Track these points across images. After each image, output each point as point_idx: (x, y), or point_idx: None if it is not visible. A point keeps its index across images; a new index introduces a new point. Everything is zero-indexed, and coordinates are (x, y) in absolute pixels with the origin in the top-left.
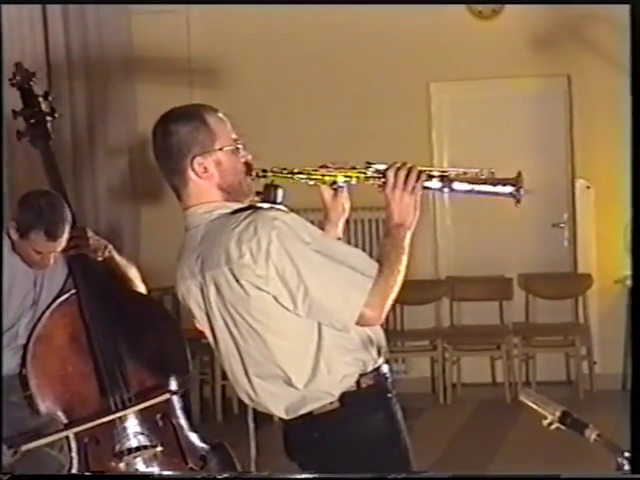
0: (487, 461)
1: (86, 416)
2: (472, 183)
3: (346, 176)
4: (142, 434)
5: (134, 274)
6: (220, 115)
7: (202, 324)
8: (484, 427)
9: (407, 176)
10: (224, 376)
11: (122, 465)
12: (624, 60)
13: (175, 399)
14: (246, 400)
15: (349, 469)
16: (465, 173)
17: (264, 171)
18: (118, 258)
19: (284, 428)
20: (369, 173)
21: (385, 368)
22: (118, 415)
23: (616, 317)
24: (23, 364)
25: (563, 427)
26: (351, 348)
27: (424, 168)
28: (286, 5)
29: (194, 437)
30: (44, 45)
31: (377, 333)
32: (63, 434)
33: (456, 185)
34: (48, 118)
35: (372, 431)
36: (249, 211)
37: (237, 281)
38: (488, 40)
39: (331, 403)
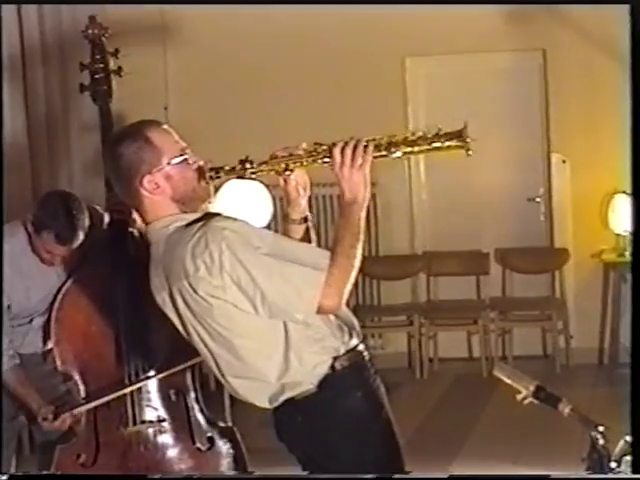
0: (464, 435)
1: (102, 379)
2: (420, 144)
3: (294, 162)
4: (153, 407)
5: None
6: (165, 127)
7: (182, 332)
8: (461, 402)
9: (354, 152)
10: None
11: (128, 432)
12: (599, 34)
13: (191, 377)
14: (233, 394)
15: (334, 449)
16: (412, 134)
17: (217, 172)
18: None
19: (272, 411)
20: (318, 154)
21: (361, 347)
22: (139, 385)
23: (592, 291)
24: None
25: (537, 401)
26: (319, 337)
27: (369, 139)
28: None
29: (204, 417)
30: (18, 27)
31: (346, 317)
32: (100, 401)
33: (404, 149)
34: (113, 76)
35: (352, 410)
36: (200, 223)
37: (196, 293)
38: (464, 14)
39: (309, 389)
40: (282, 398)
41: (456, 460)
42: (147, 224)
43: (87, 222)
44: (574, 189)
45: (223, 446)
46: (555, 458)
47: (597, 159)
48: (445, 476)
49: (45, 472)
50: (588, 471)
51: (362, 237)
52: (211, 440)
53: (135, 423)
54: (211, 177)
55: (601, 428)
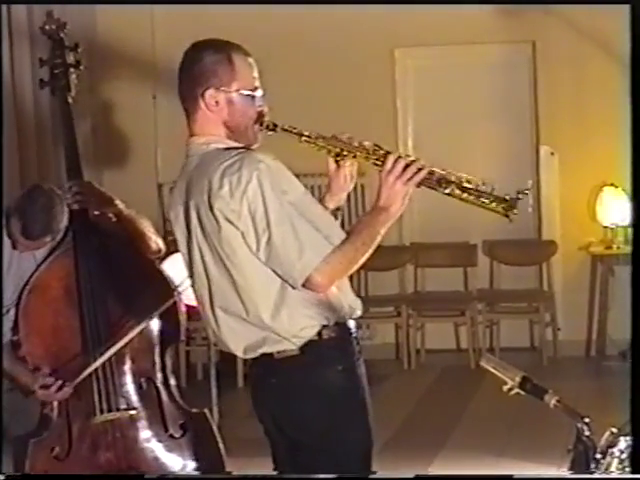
0: (450, 427)
1: (70, 370)
2: (470, 193)
3: (349, 151)
4: (124, 395)
5: (145, 226)
6: (249, 60)
7: (183, 252)
8: (448, 393)
9: (406, 166)
10: (188, 342)
11: (100, 422)
12: (589, 26)
13: (160, 364)
14: (210, 336)
15: (303, 418)
16: (468, 181)
17: (275, 125)
18: (126, 211)
19: (248, 375)
20: (373, 154)
21: (351, 324)
22: (96, 365)
23: (580, 284)
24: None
25: (523, 392)
26: (315, 302)
27: (425, 165)
28: None
29: (177, 404)
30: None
31: (347, 294)
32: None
33: (454, 190)
34: (72, 70)
35: (329, 382)
36: (240, 150)
37: (211, 210)
38: (453, 6)
39: (291, 349)
40: (260, 351)
41: (442, 452)
42: (191, 136)
43: (62, 225)
44: (562, 181)
45: (196, 433)
46: (541, 450)
47: (586, 152)
48: (429, 468)
49: (20, 467)
50: (573, 462)
51: (377, 241)
52: (184, 427)
53: (104, 412)
54: (267, 126)
55: (587, 420)
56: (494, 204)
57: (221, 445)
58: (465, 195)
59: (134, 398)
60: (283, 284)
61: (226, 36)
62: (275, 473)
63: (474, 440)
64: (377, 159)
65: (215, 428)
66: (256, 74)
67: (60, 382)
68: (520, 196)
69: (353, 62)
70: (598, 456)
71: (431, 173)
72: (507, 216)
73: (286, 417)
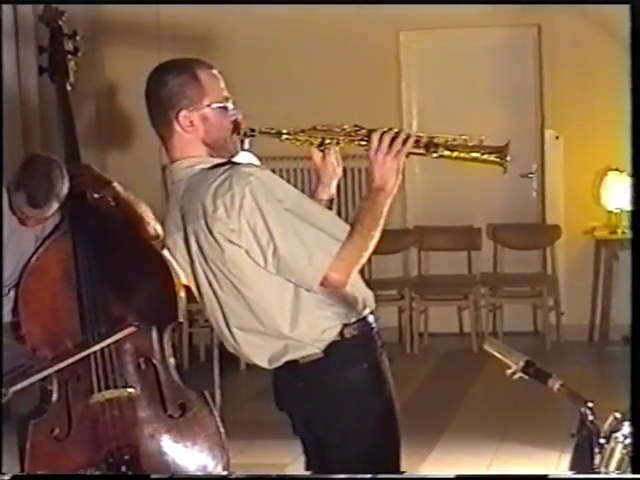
0: (453, 410)
1: (69, 352)
2: (460, 150)
3: (332, 138)
4: (122, 375)
5: (143, 210)
6: (214, 72)
7: (188, 278)
8: (451, 377)
9: (392, 140)
10: (191, 324)
11: (98, 402)
12: (594, 10)
13: (158, 344)
14: (232, 351)
15: (333, 418)
16: (454, 139)
17: (252, 130)
18: (124, 195)
19: (273, 378)
20: (356, 135)
21: (371, 318)
22: (94, 349)
23: (584, 268)
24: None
25: (526, 376)
26: (331, 302)
27: (410, 133)
28: None
29: (176, 385)
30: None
31: (360, 286)
32: (50, 370)
33: (443, 151)
34: (70, 57)
35: (356, 381)
36: (227, 166)
37: (211, 234)
38: None
39: (315, 353)
40: (284, 359)
41: (444, 435)
42: (172, 162)
43: (65, 190)
44: (567, 165)
45: (195, 414)
46: (543, 434)
47: (591, 136)
48: (431, 452)
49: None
50: (577, 447)
51: (382, 222)
52: (183, 407)
53: (101, 389)
54: (245, 133)
55: (590, 404)
56: (486, 155)
57: (220, 426)
58: (456, 154)
59: (132, 377)
60: (296, 291)
61: (230, 17)
62: (308, 473)
63: (476, 424)
64: (361, 139)
65: (215, 409)
66: (223, 84)
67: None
68: (509, 158)
69: (358, 45)
70: (602, 441)
71: (417, 141)
72: (502, 165)
73: (315, 418)
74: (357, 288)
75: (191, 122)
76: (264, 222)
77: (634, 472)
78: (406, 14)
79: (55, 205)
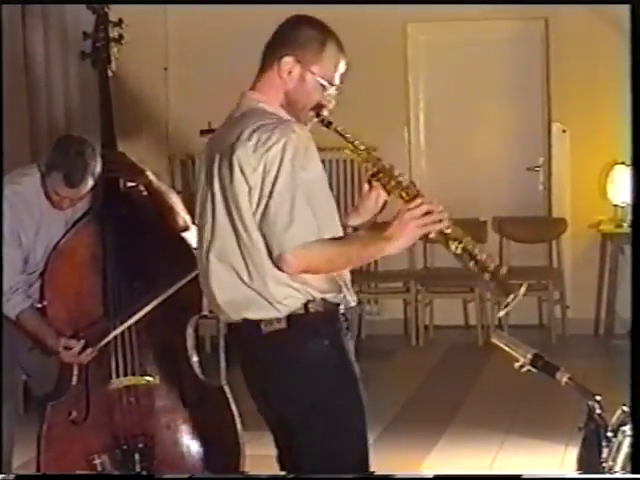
0: (458, 403)
1: (92, 336)
2: (473, 265)
3: (385, 175)
4: (141, 363)
5: (174, 200)
6: (341, 55)
7: (198, 189)
8: (456, 370)
9: (427, 213)
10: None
11: (117, 388)
12: (601, 4)
13: (181, 336)
14: (203, 287)
15: (289, 392)
16: (476, 250)
17: (329, 123)
18: (157, 184)
19: (239, 348)
20: (405, 189)
21: (338, 298)
22: (117, 332)
23: (589, 262)
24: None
25: (534, 370)
26: (302, 280)
27: (446, 221)
28: None
29: (196, 377)
30: None
31: (344, 278)
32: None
33: (463, 255)
34: (113, 44)
35: (317, 356)
36: (282, 118)
37: (232, 157)
38: None
39: (279, 322)
40: (244, 314)
41: (449, 428)
42: (250, 89)
43: (98, 169)
44: (574, 159)
45: (213, 407)
46: (548, 427)
47: (597, 129)
48: (436, 445)
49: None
50: (584, 440)
51: (364, 263)
52: (201, 400)
53: (119, 375)
54: (322, 120)
55: (598, 397)
56: (493, 283)
57: (238, 421)
58: (471, 264)
59: (152, 366)
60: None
61: (233, 9)
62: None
63: (481, 417)
64: (405, 194)
65: (232, 403)
66: (340, 71)
67: (83, 342)
68: (518, 293)
69: (365, 37)
70: (609, 434)
71: (446, 229)
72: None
73: (274, 391)
74: (341, 277)
75: (290, 72)
76: (276, 174)
77: (634, 472)
78: (413, 6)
79: (90, 182)
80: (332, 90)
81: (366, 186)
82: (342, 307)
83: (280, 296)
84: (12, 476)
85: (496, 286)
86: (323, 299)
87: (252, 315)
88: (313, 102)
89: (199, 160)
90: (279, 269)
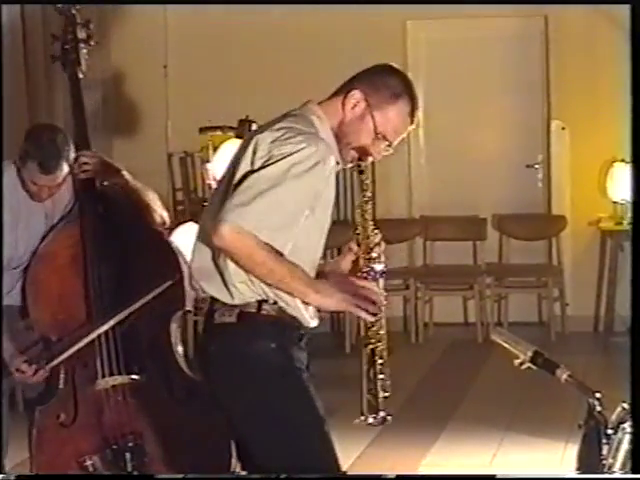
0: (458, 400)
1: (76, 337)
2: None
3: (360, 234)
4: (127, 361)
5: (151, 198)
6: (409, 120)
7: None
8: (455, 367)
9: (369, 297)
10: (196, 312)
11: (104, 387)
12: (601, 1)
13: (165, 332)
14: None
15: (237, 388)
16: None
17: (361, 171)
18: (132, 182)
19: (196, 341)
20: (366, 252)
21: (296, 311)
22: (103, 329)
23: (589, 259)
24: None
25: (534, 367)
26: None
27: (380, 314)
28: None
29: (183, 373)
30: None
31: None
32: (73, 350)
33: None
34: (82, 45)
35: (262, 356)
36: (319, 134)
37: (255, 135)
38: None
39: (230, 315)
40: (206, 288)
41: (449, 424)
42: (311, 101)
43: (72, 155)
44: (573, 156)
45: (203, 400)
46: (548, 424)
47: (597, 127)
48: (436, 443)
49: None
50: (585, 438)
51: (280, 287)
52: (189, 395)
53: (105, 375)
54: (359, 166)
55: (598, 395)
56: None
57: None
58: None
59: (138, 364)
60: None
61: (236, 9)
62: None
63: (481, 414)
64: (367, 256)
65: None
66: (400, 132)
67: (35, 367)
68: None
69: (365, 34)
70: (609, 432)
71: (371, 324)
72: None
73: (222, 386)
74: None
75: (354, 106)
76: (272, 163)
77: (634, 472)
78: (413, 4)
79: (66, 169)
80: (384, 145)
81: (355, 247)
82: (300, 321)
83: (236, 279)
84: (12, 476)
85: None
86: (279, 306)
87: (211, 291)
88: (359, 143)
89: (198, 158)
90: (209, 235)
